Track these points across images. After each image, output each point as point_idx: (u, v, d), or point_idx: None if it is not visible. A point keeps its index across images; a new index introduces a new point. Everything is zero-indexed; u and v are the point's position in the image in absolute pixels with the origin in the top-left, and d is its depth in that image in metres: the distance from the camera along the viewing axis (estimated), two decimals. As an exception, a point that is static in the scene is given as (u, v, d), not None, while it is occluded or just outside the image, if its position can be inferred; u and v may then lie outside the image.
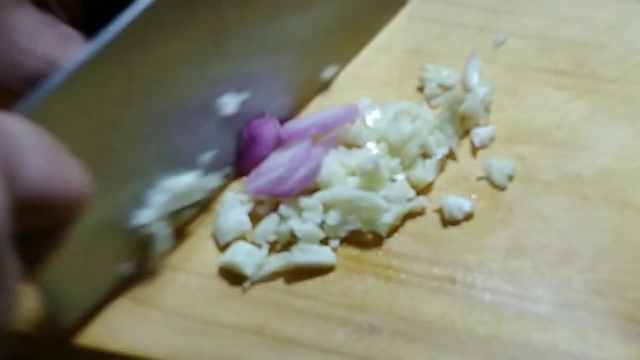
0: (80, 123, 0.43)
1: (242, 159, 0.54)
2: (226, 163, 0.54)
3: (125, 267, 0.50)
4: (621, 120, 0.55)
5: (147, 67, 0.45)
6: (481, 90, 0.55)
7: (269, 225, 0.52)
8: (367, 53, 0.62)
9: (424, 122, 0.54)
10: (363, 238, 0.51)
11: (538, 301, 0.47)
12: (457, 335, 0.46)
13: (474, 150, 0.54)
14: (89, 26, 0.46)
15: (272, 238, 0.51)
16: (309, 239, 0.50)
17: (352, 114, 0.55)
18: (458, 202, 0.51)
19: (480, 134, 0.54)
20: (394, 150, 0.53)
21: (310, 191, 0.52)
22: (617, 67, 0.58)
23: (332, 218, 0.50)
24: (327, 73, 0.59)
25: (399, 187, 0.52)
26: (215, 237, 0.52)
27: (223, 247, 0.52)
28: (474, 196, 0.52)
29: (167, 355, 0.48)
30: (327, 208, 0.51)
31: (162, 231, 0.50)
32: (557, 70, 0.58)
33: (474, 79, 0.56)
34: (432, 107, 0.57)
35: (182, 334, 0.48)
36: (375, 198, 0.50)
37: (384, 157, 0.53)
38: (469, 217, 0.51)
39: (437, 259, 0.49)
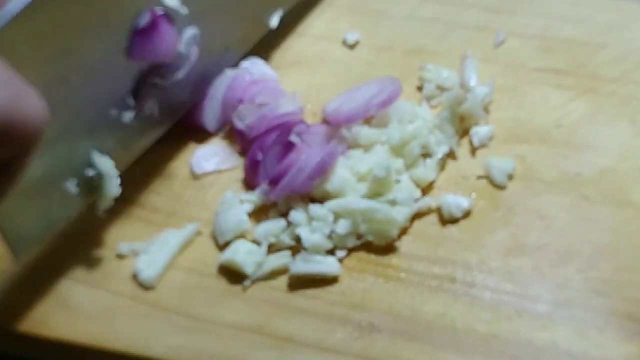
0: (36, 52, 0.43)
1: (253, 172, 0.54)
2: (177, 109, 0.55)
3: (77, 205, 0.50)
4: (621, 119, 0.55)
5: None
6: (481, 91, 0.55)
7: (272, 228, 0.51)
8: (367, 52, 0.62)
9: (424, 121, 0.54)
10: (363, 238, 0.51)
11: (538, 300, 0.47)
12: (456, 334, 0.46)
13: (474, 149, 0.54)
14: None
15: (273, 240, 0.51)
16: (316, 250, 0.50)
17: (396, 85, 0.55)
18: (457, 201, 0.51)
19: (479, 133, 0.54)
20: (395, 151, 0.53)
21: (321, 198, 0.51)
22: (617, 67, 0.58)
23: (342, 227, 0.50)
24: (273, 20, 0.60)
25: (406, 189, 0.51)
26: (214, 236, 0.52)
27: (223, 246, 0.52)
28: (473, 195, 0.52)
29: (167, 354, 0.48)
30: (337, 217, 0.50)
31: (112, 172, 0.50)
32: (557, 69, 0.58)
33: (472, 80, 0.56)
34: (432, 107, 0.57)
35: (182, 333, 0.48)
36: (389, 210, 0.50)
37: (389, 158, 0.53)
38: (468, 215, 0.51)
39: (436, 258, 0.49)
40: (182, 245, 0.52)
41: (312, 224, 0.50)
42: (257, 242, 0.51)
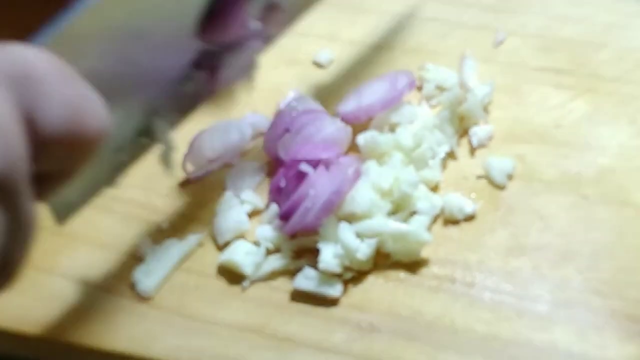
0: (107, 40, 0.43)
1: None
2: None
3: (121, 170, 0.50)
4: (621, 119, 0.55)
5: None
6: (481, 90, 0.55)
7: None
8: (367, 52, 0.62)
9: (424, 121, 0.54)
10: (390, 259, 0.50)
11: (537, 300, 0.47)
12: (456, 334, 0.46)
13: (474, 149, 0.54)
14: None
15: (271, 246, 0.51)
16: (326, 272, 0.48)
17: (410, 78, 0.55)
18: (460, 202, 0.51)
19: (478, 133, 0.54)
20: (409, 156, 0.53)
21: (347, 218, 0.50)
22: (617, 67, 0.58)
23: (364, 254, 0.48)
24: None
25: (426, 197, 0.51)
26: (214, 237, 0.52)
27: (222, 247, 0.52)
28: (473, 195, 0.52)
29: (167, 354, 0.48)
30: (361, 236, 0.49)
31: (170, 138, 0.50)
32: (557, 69, 0.58)
33: (471, 80, 0.56)
34: (431, 107, 0.57)
35: (181, 334, 0.48)
36: (420, 232, 0.49)
37: (406, 166, 0.52)
38: (469, 217, 0.51)
39: (436, 258, 0.49)
40: (182, 257, 0.52)
41: (337, 247, 0.49)
42: (256, 243, 0.51)
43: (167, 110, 0.51)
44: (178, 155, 0.53)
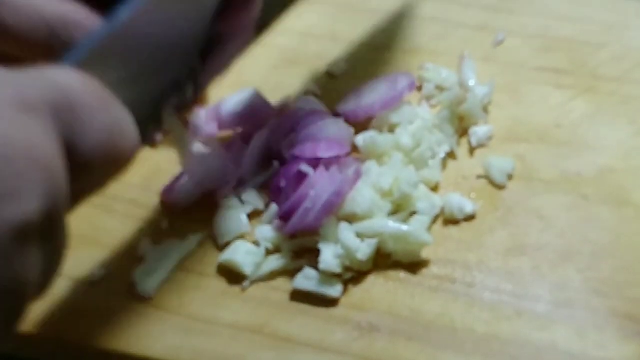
0: (130, 64, 0.42)
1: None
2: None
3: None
4: (621, 119, 0.55)
5: None
6: (480, 90, 0.55)
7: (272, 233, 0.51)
8: (367, 52, 0.62)
9: (424, 121, 0.54)
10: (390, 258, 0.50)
11: (537, 300, 0.47)
12: (456, 334, 0.46)
13: (473, 149, 0.54)
14: None
15: (271, 246, 0.51)
16: (327, 273, 0.49)
17: (410, 79, 0.56)
18: (460, 202, 0.51)
19: (477, 133, 0.54)
20: (409, 156, 0.53)
21: (347, 218, 0.50)
22: (617, 67, 0.58)
23: (364, 254, 0.48)
24: None
25: (426, 197, 0.51)
26: (214, 237, 0.52)
27: (222, 247, 0.52)
28: (473, 195, 0.52)
29: (167, 354, 0.48)
30: (361, 236, 0.49)
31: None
32: (557, 69, 0.58)
33: (471, 80, 0.56)
34: (431, 107, 0.57)
35: (181, 333, 0.48)
36: (421, 233, 0.49)
37: (406, 167, 0.52)
38: (469, 217, 0.51)
39: (436, 258, 0.49)
40: (182, 257, 0.52)
41: (337, 248, 0.49)
42: (256, 243, 0.51)
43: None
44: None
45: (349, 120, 0.55)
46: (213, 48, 0.50)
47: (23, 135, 0.29)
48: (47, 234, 0.30)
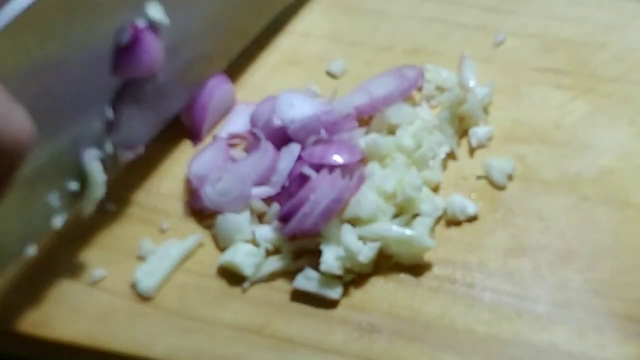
0: (21, 64, 0.42)
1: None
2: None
3: (58, 220, 0.49)
4: (621, 119, 0.55)
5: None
6: (480, 91, 0.55)
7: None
8: (367, 52, 0.62)
9: (424, 122, 0.54)
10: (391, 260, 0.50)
11: (537, 301, 0.47)
12: (456, 335, 0.46)
13: (474, 150, 0.54)
14: None
15: (271, 247, 0.51)
16: (327, 274, 0.48)
17: (418, 70, 0.56)
18: (463, 204, 0.51)
19: (477, 134, 0.54)
20: (410, 157, 0.53)
21: (350, 221, 0.50)
22: (617, 67, 0.58)
23: (365, 257, 0.48)
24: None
25: (431, 200, 0.51)
26: (214, 237, 0.52)
27: (222, 247, 0.52)
28: (473, 195, 0.52)
29: (167, 355, 0.48)
30: (364, 239, 0.49)
31: (99, 177, 0.49)
32: (557, 69, 0.58)
33: (471, 80, 0.56)
34: (431, 107, 0.57)
35: (182, 334, 0.48)
36: (423, 238, 0.49)
37: (408, 168, 0.52)
38: (470, 218, 0.51)
39: (436, 259, 0.49)
40: (183, 257, 0.52)
41: (339, 250, 0.48)
42: (257, 244, 0.51)
43: (93, 150, 0.50)
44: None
45: (361, 115, 0.54)
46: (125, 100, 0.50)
47: None
48: None
